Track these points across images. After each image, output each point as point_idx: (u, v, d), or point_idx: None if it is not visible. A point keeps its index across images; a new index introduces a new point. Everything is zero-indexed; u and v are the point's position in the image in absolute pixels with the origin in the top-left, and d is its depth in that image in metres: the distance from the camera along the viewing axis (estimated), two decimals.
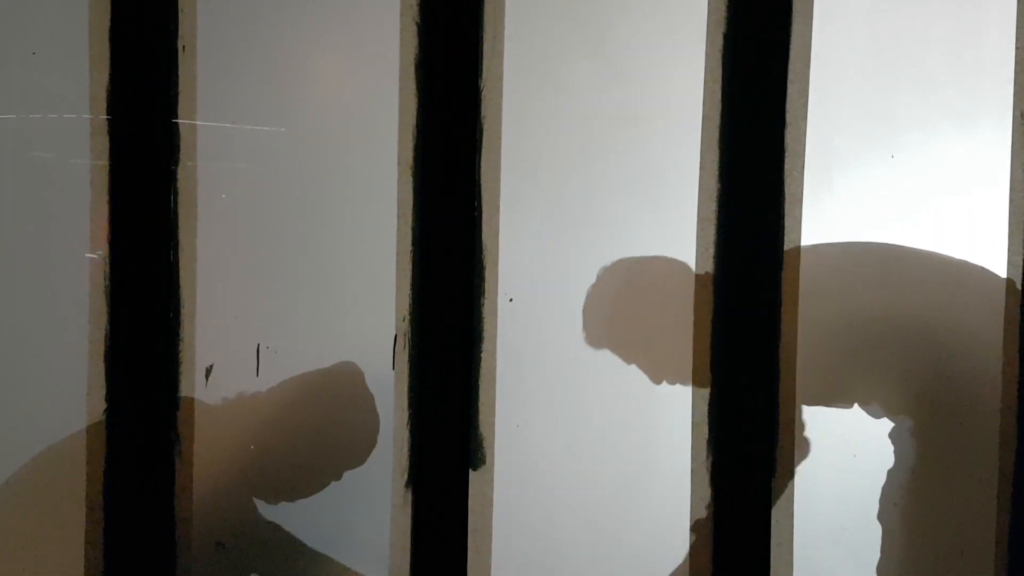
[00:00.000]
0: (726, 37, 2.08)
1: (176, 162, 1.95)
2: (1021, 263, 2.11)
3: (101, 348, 1.93)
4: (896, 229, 2.16)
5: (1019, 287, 2.11)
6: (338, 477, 2.02)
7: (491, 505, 2.04)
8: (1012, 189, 2.11)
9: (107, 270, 1.93)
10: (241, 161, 1.98)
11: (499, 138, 2.03)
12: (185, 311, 1.96)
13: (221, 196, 1.97)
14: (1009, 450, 2.12)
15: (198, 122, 1.96)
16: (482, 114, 2.02)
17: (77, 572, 1.93)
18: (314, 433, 2.02)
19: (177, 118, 1.95)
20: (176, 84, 1.95)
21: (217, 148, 1.97)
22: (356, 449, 2.03)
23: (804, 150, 2.10)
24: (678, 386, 2.09)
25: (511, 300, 2.04)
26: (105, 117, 1.93)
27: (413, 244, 2.01)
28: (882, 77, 2.16)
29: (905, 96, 2.16)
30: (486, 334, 2.03)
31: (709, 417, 2.08)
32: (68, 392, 1.92)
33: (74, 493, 1.93)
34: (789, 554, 2.11)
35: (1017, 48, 2.11)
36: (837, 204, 2.13)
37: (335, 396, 2.02)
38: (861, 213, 2.16)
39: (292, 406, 2.00)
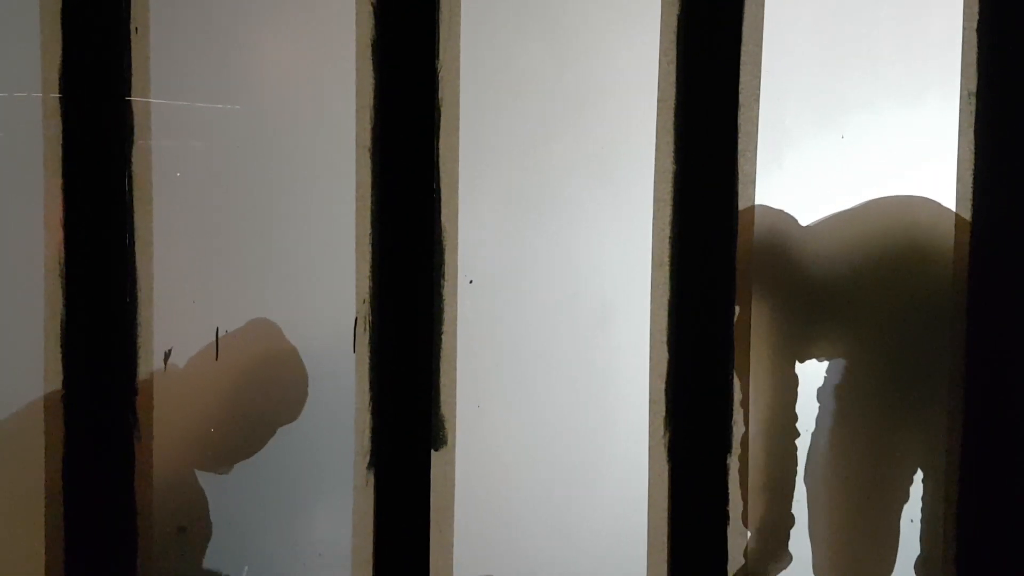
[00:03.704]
0: (680, 19, 2.09)
1: (130, 141, 1.93)
2: (967, 241, 2.16)
3: (57, 333, 1.90)
4: (846, 207, 2.20)
5: (966, 266, 2.16)
6: (274, 433, 2.01)
7: (453, 485, 2.04)
8: (959, 167, 2.16)
9: (62, 253, 1.90)
10: (196, 140, 1.96)
11: (456, 120, 2.03)
12: (142, 294, 1.94)
13: (176, 175, 1.95)
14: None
15: (152, 100, 1.93)
16: (439, 96, 2.02)
17: (37, 562, 1.91)
18: (255, 398, 2.02)
19: (130, 97, 1.92)
20: (129, 64, 1.92)
21: (171, 127, 1.95)
22: (289, 403, 2.02)
23: (756, 130, 2.13)
24: (635, 364, 2.11)
25: (471, 282, 2.04)
26: (57, 96, 1.89)
27: (372, 226, 2.00)
28: (831, 59, 2.19)
29: (854, 77, 2.19)
30: (446, 316, 2.03)
31: (666, 395, 2.11)
32: (24, 378, 1.89)
33: (32, 479, 1.90)
34: (743, 527, 2.15)
35: (964, 28, 2.15)
36: (789, 183, 2.17)
37: (261, 356, 2.01)
38: (812, 191, 2.19)
39: (239, 379, 2.00)
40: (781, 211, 2.15)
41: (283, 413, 2.02)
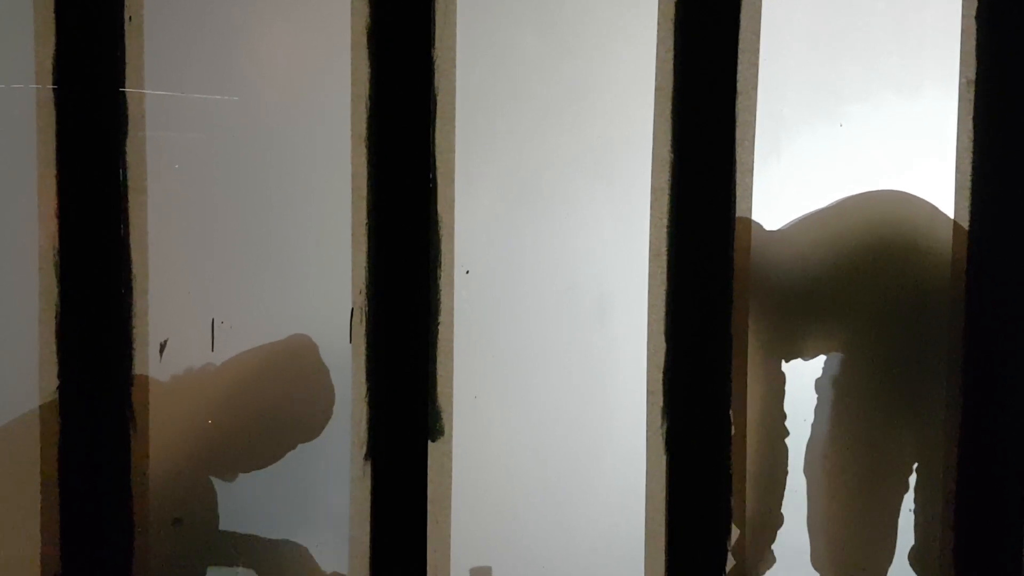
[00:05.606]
0: (678, 8, 2.08)
1: (124, 132, 1.92)
2: (966, 231, 2.16)
3: (52, 325, 1.90)
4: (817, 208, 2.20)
5: (965, 257, 2.16)
6: (293, 448, 2.01)
7: (450, 476, 2.04)
8: (958, 156, 2.15)
9: (56, 245, 1.90)
10: (190, 130, 1.95)
11: (453, 109, 2.02)
12: (137, 286, 1.93)
13: (174, 167, 1.94)
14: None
15: (147, 91, 1.92)
16: (436, 85, 2.01)
17: (33, 551, 1.90)
18: (269, 407, 2.01)
19: (125, 87, 1.91)
20: (123, 54, 1.91)
21: (167, 118, 1.94)
22: (311, 422, 2.02)
23: (754, 120, 2.12)
24: (633, 355, 2.11)
25: (467, 272, 2.04)
26: (51, 87, 1.88)
27: (368, 217, 1.99)
28: (829, 48, 2.18)
29: (851, 66, 2.18)
30: (443, 306, 2.02)
31: (663, 386, 2.10)
32: (19, 370, 1.89)
33: (28, 472, 1.90)
34: (741, 516, 2.15)
35: (962, 16, 2.14)
36: (786, 173, 2.16)
37: (290, 369, 2.01)
38: (809, 181, 2.18)
39: (247, 380, 1.99)
40: (743, 218, 2.13)
41: (304, 430, 2.01)
